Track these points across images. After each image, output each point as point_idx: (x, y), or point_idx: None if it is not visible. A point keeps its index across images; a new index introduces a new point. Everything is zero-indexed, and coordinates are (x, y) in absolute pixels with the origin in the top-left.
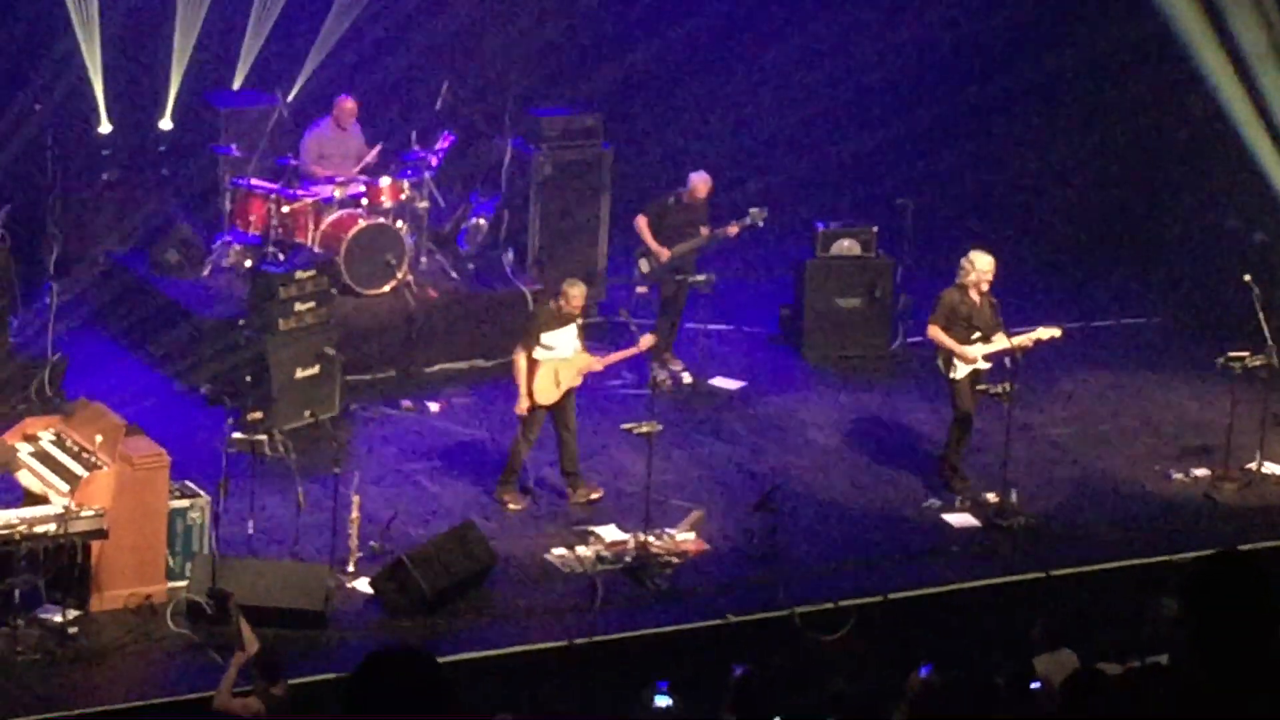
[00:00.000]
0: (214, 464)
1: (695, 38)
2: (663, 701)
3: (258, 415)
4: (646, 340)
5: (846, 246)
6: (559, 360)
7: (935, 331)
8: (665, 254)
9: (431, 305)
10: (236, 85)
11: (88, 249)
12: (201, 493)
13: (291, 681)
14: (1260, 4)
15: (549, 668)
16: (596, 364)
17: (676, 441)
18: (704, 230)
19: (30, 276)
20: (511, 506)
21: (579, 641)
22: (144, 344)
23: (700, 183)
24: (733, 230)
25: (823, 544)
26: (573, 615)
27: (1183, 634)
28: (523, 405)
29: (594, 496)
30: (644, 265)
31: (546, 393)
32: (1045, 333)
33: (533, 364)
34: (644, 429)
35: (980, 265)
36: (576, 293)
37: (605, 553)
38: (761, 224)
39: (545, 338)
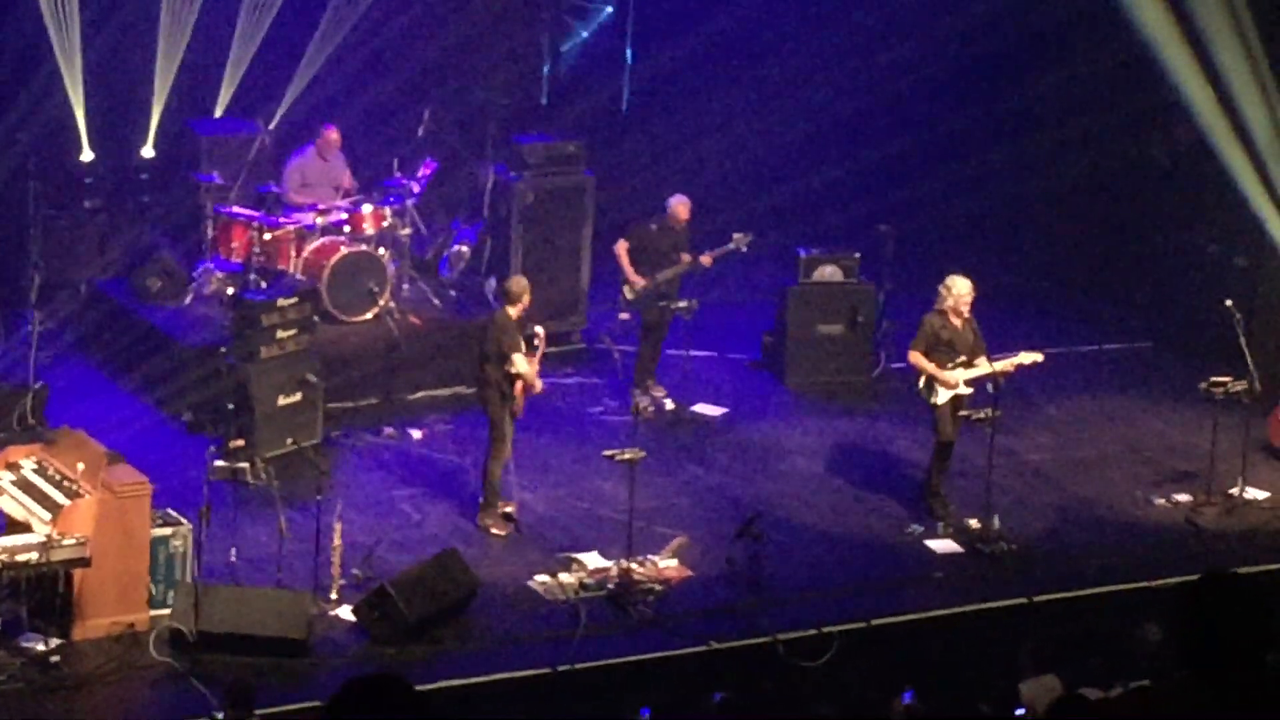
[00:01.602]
0: (196, 492)
1: (677, 65)
2: None
3: (240, 443)
4: (540, 331)
5: (829, 273)
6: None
7: (916, 357)
8: (641, 282)
9: (414, 332)
10: (219, 113)
11: (70, 277)
12: (184, 521)
13: (274, 710)
14: (1241, 29)
15: (532, 695)
16: (534, 361)
17: (659, 468)
18: (686, 256)
19: (12, 304)
20: (495, 532)
21: (562, 668)
22: (126, 372)
23: (679, 205)
24: (713, 256)
25: (805, 570)
26: (555, 642)
27: (1168, 657)
28: (537, 386)
29: (496, 531)
30: (628, 291)
31: (521, 400)
32: (1027, 358)
33: (514, 378)
34: (627, 456)
35: (958, 289)
36: (527, 284)
37: (588, 579)
38: (745, 249)
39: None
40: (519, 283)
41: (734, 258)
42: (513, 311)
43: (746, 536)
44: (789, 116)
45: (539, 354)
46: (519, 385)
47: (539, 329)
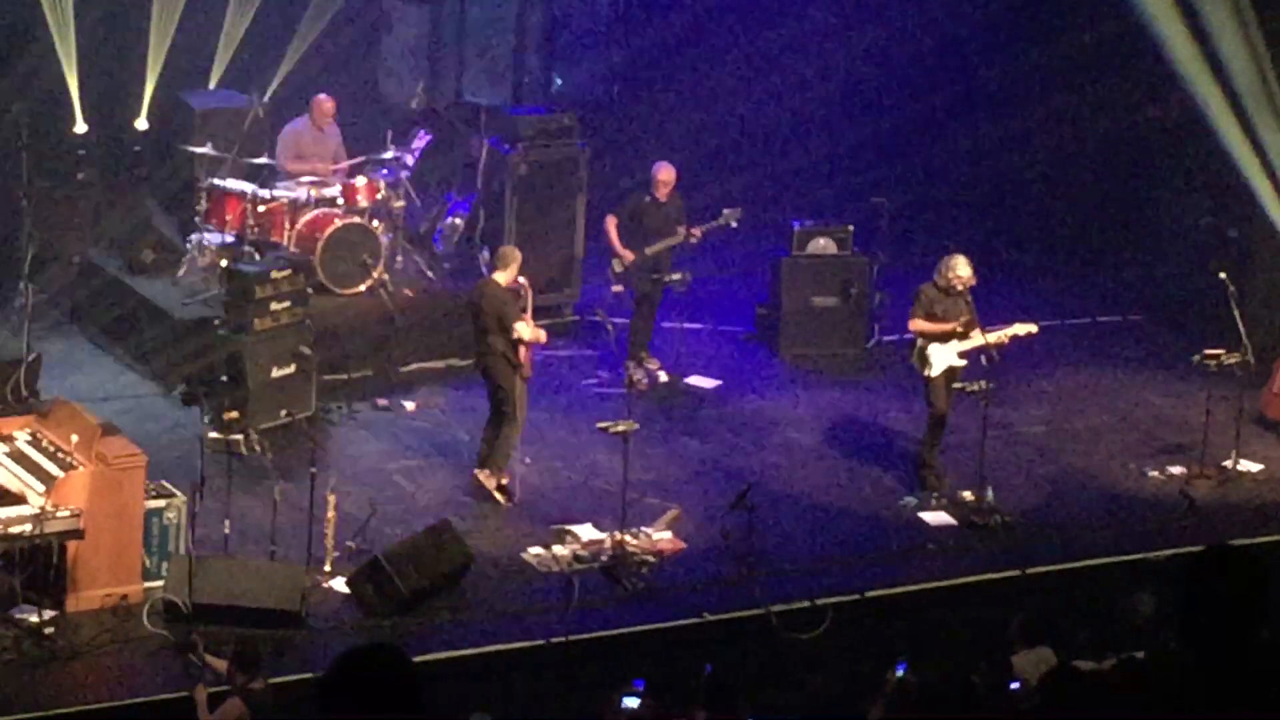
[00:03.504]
0: (190, 464)
1: (672, 36)
2: (631, 702)
3: (234, 415)
4: (523, 281)
5: (822, 245)
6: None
7: (918, 324)
8: (629, 256)
9: (407, 305)
10: (213, 85)
11: (63, 249)
12: (177, 492)
13: (269, 681)
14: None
15: (525, 667)
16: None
17: (653, 440)
18: (680, 229)
19: (5, 276)
20: (496, 495)
21: (555, 641)
22: (120, 343)
23: (661, 172)
24: (702, 231)
25: (799, 542)
26: (549, 614)
27: (1161, 629)
28: (541, 338)
29: (495, 492)
30: (617, 265)
31: (528, 364)
32: (1021, 329)
33: (519, 344)
34: (620, 428)
35: (956, 270)
36: (518, 252)
37: (581, 552)
38: (735, 224)
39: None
40: (509, 250)
41: (724, 232)
42: (502, 278)
43: (740, 508)
44: (783, 88)
45: (529, 308)
46: (524, 350)
47: (522, 279)
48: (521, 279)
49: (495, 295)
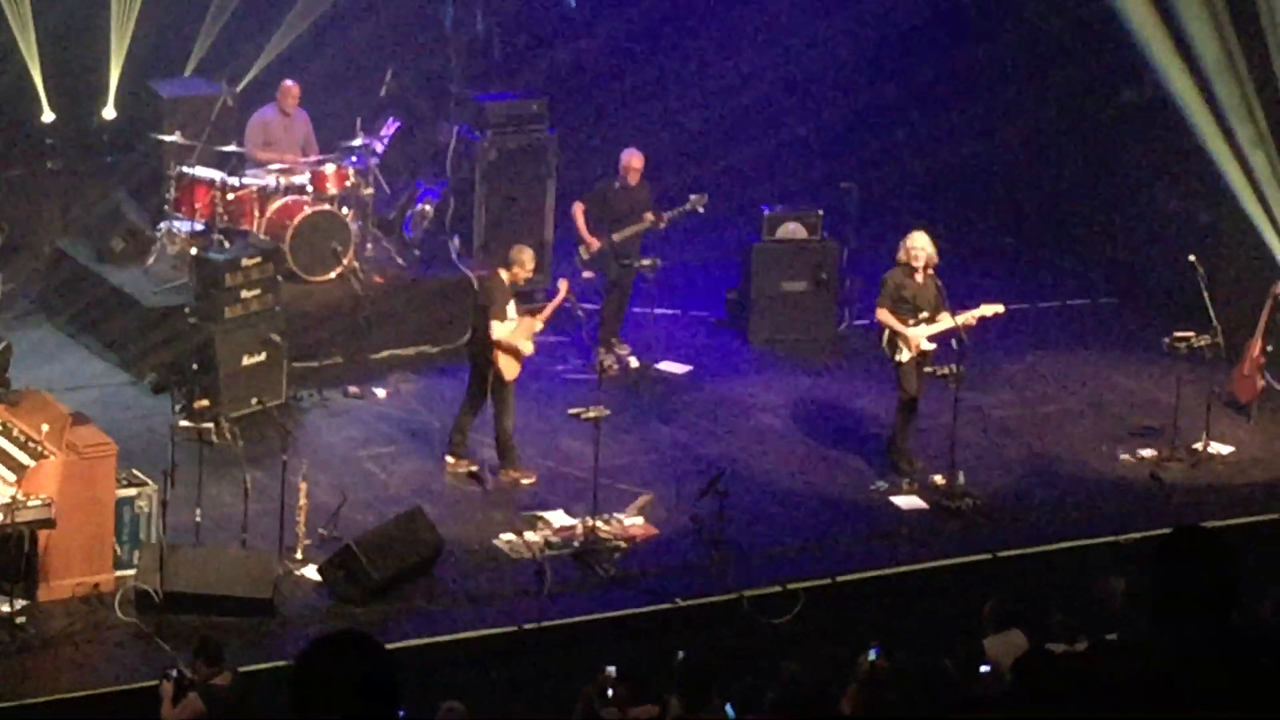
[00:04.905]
0: (161, 452)
1: (641, 22)
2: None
3: (204, 403)
4: (564, 285)
5: (792, 230)
6: (517, 330)
7: (884, 314)
8: (595, 243)
9: (377, 292)
10: (188, 73)
11: (32, 237)
12: (149, 481)
13: (240, 670)
14: None
15: (498, 653)
16: (538, 322)
17: (624, 426)
18: (648, 215)
19: None
20: (525, 481)
21: (528, 627)
22: (90, 332)
23: (630, 158)
24: (669, 217)
25: (770, 527)
26: (521, 601)
27: (1133, 612)
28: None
29: (525, 481)
30: (583, 251)
31: (513, 367)
32: (989, 309)
33: (499, 343)
34: (591, 414)
35: (912, 242)
36: (530, 258)
37: (553, 538)
38: (701, 210)
39: (508, 309)
40: (518, 250)
41: (692, 218)
42: (505, 275)
43: (711, 494)
44: (752, 74)
45: (548, 309)
46: (501, 348)
47: (564, 281)
48: (562, 283)
49: (487, 287)
